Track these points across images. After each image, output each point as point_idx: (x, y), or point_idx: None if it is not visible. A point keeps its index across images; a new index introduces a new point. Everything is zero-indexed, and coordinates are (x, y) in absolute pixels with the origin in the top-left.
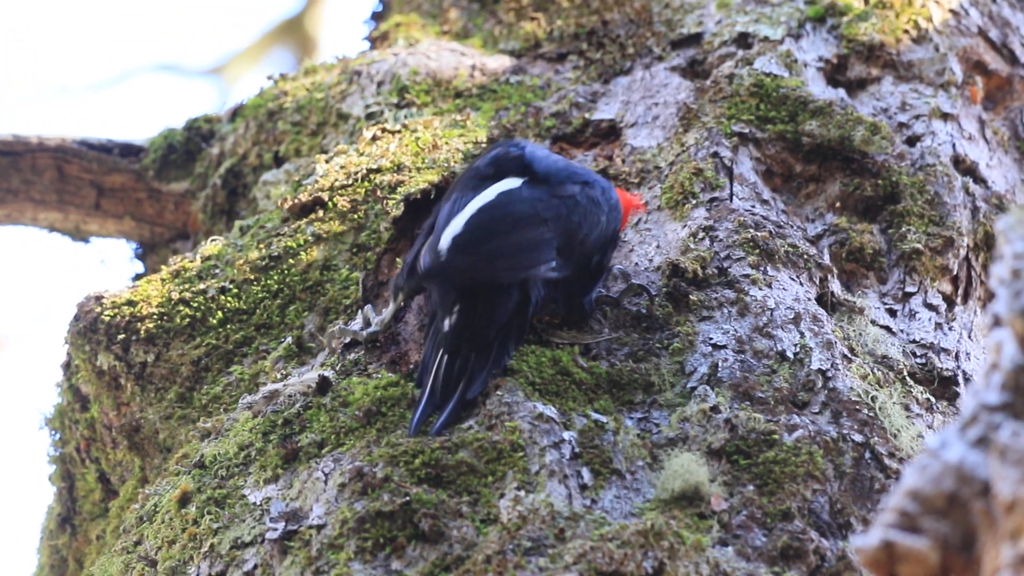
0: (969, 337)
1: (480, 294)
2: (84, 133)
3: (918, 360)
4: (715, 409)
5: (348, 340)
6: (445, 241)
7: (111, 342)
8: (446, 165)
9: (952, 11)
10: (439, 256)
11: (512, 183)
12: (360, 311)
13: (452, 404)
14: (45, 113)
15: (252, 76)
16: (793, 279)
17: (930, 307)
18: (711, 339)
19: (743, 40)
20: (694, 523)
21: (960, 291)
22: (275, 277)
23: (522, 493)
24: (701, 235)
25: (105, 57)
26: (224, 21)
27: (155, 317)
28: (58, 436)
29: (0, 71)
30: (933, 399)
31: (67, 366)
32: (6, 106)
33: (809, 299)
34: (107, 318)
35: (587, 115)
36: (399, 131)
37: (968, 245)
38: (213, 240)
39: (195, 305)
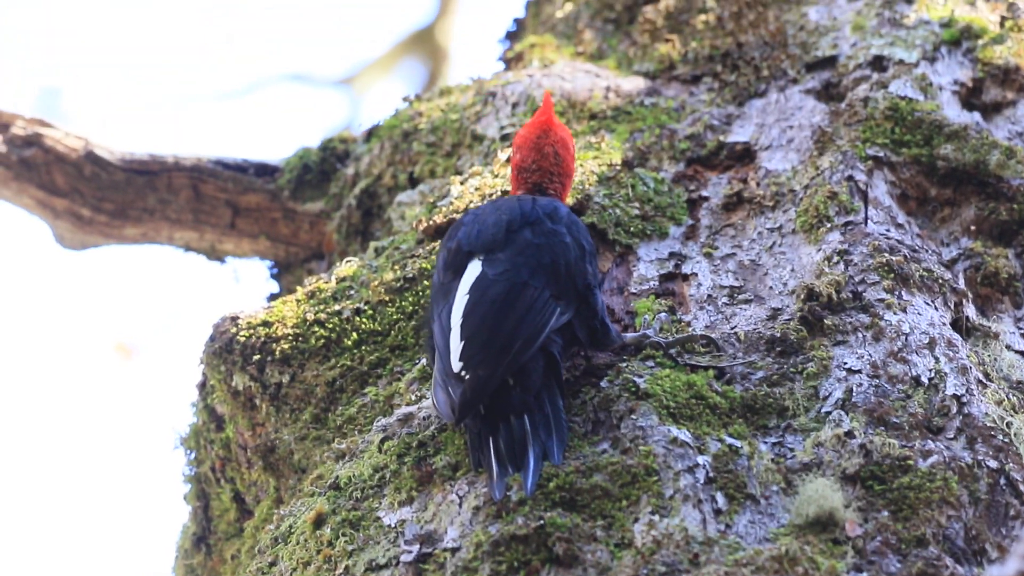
0: None
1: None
2: (217, 149)
3: None
4: (849, 434)
5: None
6: (455, 363)
7: (246, 363)
8: (580, 188)
9: None
10: (462, 384)
11: (473, 269)
12: None
13: (532, 465)
14: (176, 122)
15: (383, 87)
16: (928, 304)
17: None
18: (846, 364)
19: (878, 63)
20: (828, 549)
21: None
22: (410, 299)
23: (656, 517)
24: (836, 259)
25: (236, 67)
26: (355, 31)
27: (290, 338)
28: (193, 455)
29: (132, 80)
30: None
31: (202, 386)
32: (138, 114)
33: (944, 324)
34: (243, 339)
35: (721, 137)
36: None
37: None
38: (348, 261)
39: (330, 326)
